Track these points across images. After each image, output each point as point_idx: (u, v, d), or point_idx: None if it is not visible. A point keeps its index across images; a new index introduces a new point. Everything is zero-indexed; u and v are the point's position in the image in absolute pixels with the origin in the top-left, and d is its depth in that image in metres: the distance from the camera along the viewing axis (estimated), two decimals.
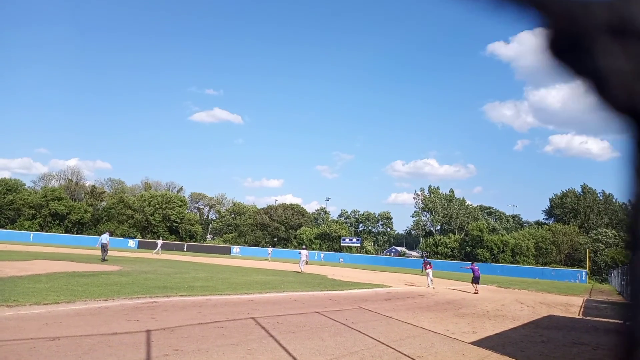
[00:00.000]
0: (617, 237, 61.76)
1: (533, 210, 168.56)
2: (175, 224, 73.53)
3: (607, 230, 65.08)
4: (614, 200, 71.16)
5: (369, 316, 10.80)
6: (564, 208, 75.88)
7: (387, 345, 7.44)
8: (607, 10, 0.41)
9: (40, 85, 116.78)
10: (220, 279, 17.64)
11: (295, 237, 77.35)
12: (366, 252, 76.58)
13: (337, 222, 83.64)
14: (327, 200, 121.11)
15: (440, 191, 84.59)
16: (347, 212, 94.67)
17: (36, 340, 6.05)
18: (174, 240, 68.34)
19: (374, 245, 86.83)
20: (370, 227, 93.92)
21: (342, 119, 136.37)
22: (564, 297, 22.27)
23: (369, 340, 7.77)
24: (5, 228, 64.98)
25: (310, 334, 7.96)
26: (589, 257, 57.31)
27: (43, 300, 9.13)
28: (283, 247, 72.79)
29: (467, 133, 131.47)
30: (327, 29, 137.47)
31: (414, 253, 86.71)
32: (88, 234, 64.27)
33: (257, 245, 74.13)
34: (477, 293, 20.00)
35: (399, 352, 7.06)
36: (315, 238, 75.70)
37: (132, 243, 61.60)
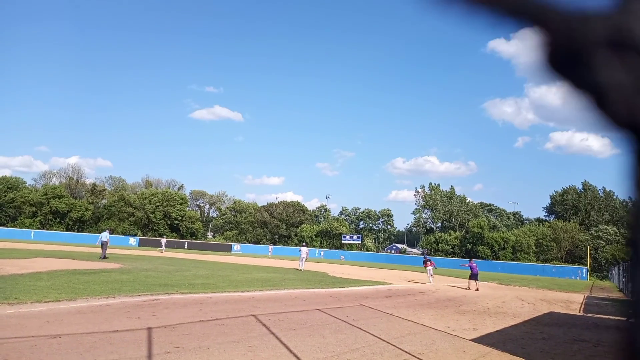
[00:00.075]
0: (618, 234, 61.74)
1: (534, 207, 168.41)
2: (176, 222, 73.58)
3: (607, 227, 65.06)
4: (614, 197, 71.13)
5: (369, 313, 10.82)
6: (565, 205, 75.86)
7: (388, 342, 7.45)
8: (606, 24, 0.41)
9: (41, 83, 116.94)
10: (221, 277, 17.66)
11: (295, 235, 77.41)
12: (367, 250, 76.68)
13: (337, 219, 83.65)
14: (327, 197, 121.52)
15: (441, 188, 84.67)
16: (347, 209, 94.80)
17: (37, 338, 6.07)
18: (175, 238, 68.40)
19: (375, 242, 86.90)
20: (370, 225, 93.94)
21: (343, 117, 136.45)
22: (564, 294, 22.29)
23: (370, 338, 7.78)
24: (6, 226, 65.06)
25: (311, 331, 7.97)
26: (590, 254, 57.32)
27: (44, 298, 9.15)
28: (284, 245, 72.90)
29: (468, 130, 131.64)
30: (327, 26, 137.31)
31: (414, 250, 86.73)
32: (89, 232, 64.29)
33: (257, 242, 74.24)
34: (477, 290, 20.06)
35: (400, 349, 7.07)
36: (315, 235, 75.74)
37: (132, 241, 61.68)
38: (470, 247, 67.68)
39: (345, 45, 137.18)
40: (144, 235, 68.59)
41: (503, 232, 69.12)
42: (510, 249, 65.03)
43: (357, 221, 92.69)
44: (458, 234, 72.82)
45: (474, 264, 21.63)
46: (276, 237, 78.33)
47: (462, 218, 78.62)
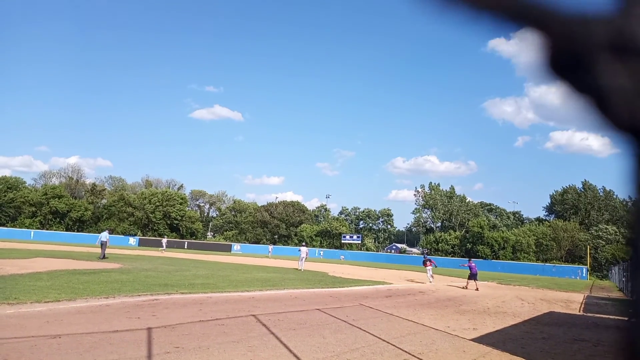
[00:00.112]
0: (618, 234, 61.76)
1: (534, 207, 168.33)
2: (175, 222, 73.59)
3: (607, 226, 65.08)
4: (614, 196, 71.15)
5: (369, 313, 10.81)
6: (565, 204, 75.87)
7: (388, 342, 7.44)
8: (607, 27, 0.41)
9: (41, 83, 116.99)
10: (220, 277, 17.66)
11: (295, 235, 77.41)
12: (367, 249, 76.68)
13: (337, 219, 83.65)
14: (327, 197, 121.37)
15: (441, 188, 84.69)
16: (347, 209, 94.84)
17: (37, 338, 6.06)
18: (175, 238, 68.41)
19: (375, 242, 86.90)
20: (370, 224, 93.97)
21: (343, 116, 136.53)
22: (564, 294, 22.30)
23: (370, 337, 7.78)
24: (6, 226, 65.08)
25: (311, 331, 7.97)
26: (590, 253, 57.35)
27: (44, 298, 9.14)
28: (284, 245, 72.90)
29: (468, 130, 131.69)
30: (327, 26, 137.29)
31: (414, 250, 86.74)
32: (89, 232, 64.31)
33: (257, 242, 74.23)
34: (477, 290, 20.07)
35: (400, 349, 7.07)
36: (315, 235, 75.74)
37: (132, 241, 61.69)
38: (470, 246, 67.69)
39: (345, 45, 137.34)
40: (143, 235, 68.60)
41: (503, 232, 69.13)
42: (510, 248, 65.04)
43: (357, 221, 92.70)
44: (458, 234, 72.82)
45: (473, 264, 21.65)
46: (276, 237, 78.33)
47: (462, 218, 78.63)
